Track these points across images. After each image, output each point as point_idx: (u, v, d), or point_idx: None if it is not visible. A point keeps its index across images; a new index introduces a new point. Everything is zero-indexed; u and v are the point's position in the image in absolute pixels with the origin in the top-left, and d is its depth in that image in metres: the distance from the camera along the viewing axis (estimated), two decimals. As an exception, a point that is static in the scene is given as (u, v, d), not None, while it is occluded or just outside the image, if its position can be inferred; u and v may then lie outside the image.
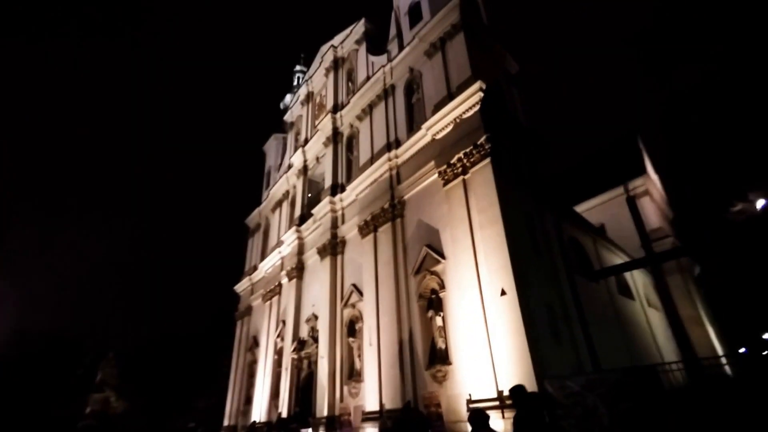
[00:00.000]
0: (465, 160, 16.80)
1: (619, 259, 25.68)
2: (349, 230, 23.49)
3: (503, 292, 13.51)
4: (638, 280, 26.91)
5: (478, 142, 16.30)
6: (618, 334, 20.20)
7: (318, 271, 24.81)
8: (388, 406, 16.45)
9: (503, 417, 12.19)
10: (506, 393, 12.41)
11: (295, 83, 52.03)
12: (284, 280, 28.86)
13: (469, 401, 13.48)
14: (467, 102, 17.51)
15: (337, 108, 28.80)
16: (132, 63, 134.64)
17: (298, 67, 53.15)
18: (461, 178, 16.88)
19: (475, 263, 14.98)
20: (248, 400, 29.20)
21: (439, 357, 15.61)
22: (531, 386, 11.75)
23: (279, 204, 34.02)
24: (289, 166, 33.69)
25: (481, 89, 16.98)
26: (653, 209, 33.59)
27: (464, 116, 17.70)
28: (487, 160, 15.88)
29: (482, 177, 15.89)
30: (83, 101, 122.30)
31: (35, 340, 42.49)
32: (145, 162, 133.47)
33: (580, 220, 24.82)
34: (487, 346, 13.47)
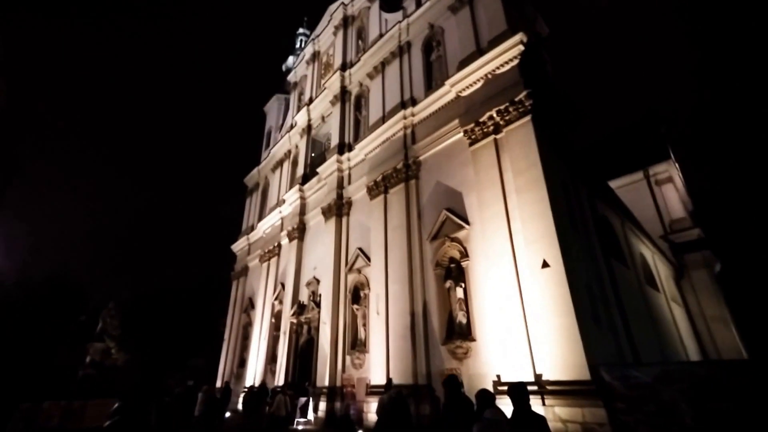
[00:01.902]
0: (498, 118, 14.08)
1: (644, 246, 23.19)
2: (357, 191, 20.77)
3: (545, 264, 11.08)
4: (662, 272, 24.66)
5: (516, 99, 13.54)
6: (648, 326, 17.93)
7: (321, 233, 22.16)
8: (397, 380, 14.10)
9: (544, 404, 9.93)
10: (547, 377, 10.20)
11: (298, 46, 48.22)
12: (284, 241, 26.16)
13: (498, 383, 11.24)
14: (502, 56, 14.66)
15: (345, 66, 25.63)
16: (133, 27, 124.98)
17: (301, 30, 49.49)
18: (492, 137, 14.18)
19: (508, 231, 12.47)
20: (242, 363, 26.85)
21: (459, 332, 13.28)
22: (580, 373, 9.53)
23: (280, 163, 30.95)
24: (292, 126, 30.56)
25: (521, 42, 14.12)
26: (676, 198, 30.96)
27: (498, 72, 14.86)
28: (527, 118, 13.18)
29: (520, 136, 13.23)
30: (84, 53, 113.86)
31: (39, 286, 39.39)
32: (148, 117, 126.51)
33: (612, 198, 21.84)
34: (523, 324, 11.12)
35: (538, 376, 10.40)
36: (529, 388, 10.16)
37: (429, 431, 11.77)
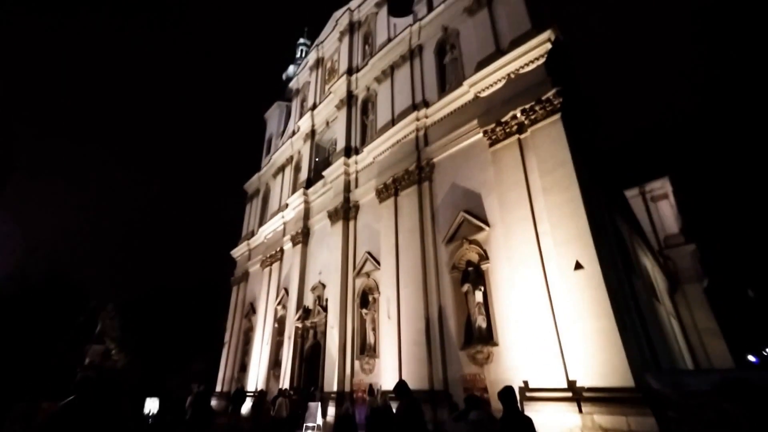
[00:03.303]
0: (522, 118, 13.42)
1: (647, 258, 22.62)
2: (364, 194, 19.92)
3: (578, 266, 10.34)
4: (660, 284, 24.16)
5: (543, 97, 12.89)
6: (658, 337, 17.27)
7: (326, 237, 21.23)
8: (411, 385, 13.17)
9: (580, 411, 9.09)
10: (582, 383, 9.38)
11: (299, 55, 48.01)
12: (287, 246, 25.12)
13: (526, 389, 10.40)
14: (528, 55, 14.04)
15: (352, 71, 24.97)
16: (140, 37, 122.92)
17: (301, 40, 49.62)
18: (515, 137, 13.50)
19: (534, 232, 11.73)
20: (243, 368, 25.52)
21: (479, 336, 12.42)
22: (623, 379, 8.71)
23: (281, 169, 29.98)
24: (294, 132, 29.75)
25: (549, 40, 13.57)
26: (671, 214, 30.81)
27: (522, 71, 14.24)
28: (556, 116, 12.51)
29: (548, 135, 12.55)
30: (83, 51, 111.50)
31: (37, 285, 37.43)
32: (150, 118, 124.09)
33: (625, 207, 21.28)
34: (553, 328, 10.32)
35: (571, 383, 9.57)
36: (563, 394, 9.54)
37: None
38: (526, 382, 10.52)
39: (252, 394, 21.89)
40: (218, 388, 27.59)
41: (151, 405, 16.48)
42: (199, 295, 37.72)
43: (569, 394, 9.43)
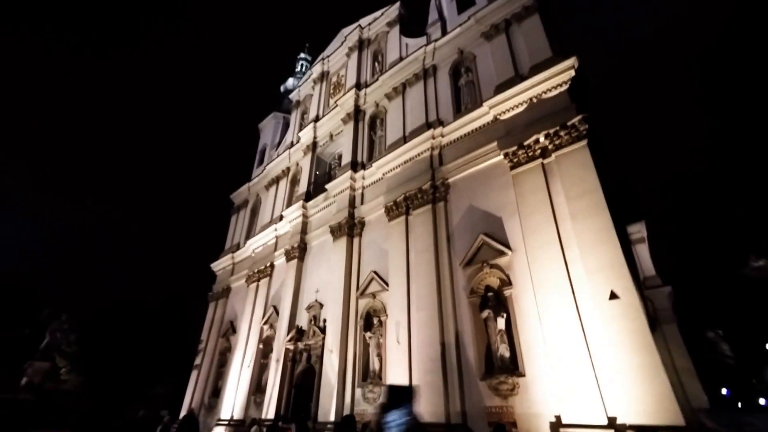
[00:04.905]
0: (546, 142, 13.53)
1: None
2: (371, 211, 19.50)
3: (613, 295, 10.14)
4: None
5: (569, 123, 13.07)
6: None
7: (326, 254, 20.54)
8: (427, 418, 12.49)
9: (622, 452, 8.66)
10: (624, 420, 8.99)
11: (298, 69, 48.34)
12: (278, 261, 24.17)
13: (558, 424, 9.92)
14: (551, 81, 14.37)
15: (360, 86, 25.07)
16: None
17: (302, 55, 50.20)
18: (539, 161, 13.55)
19: (563, 258, 11.55)
20: (216, 392, 23.85)
21: (502, 366, 11.93)
22: (672, 417, 8.37)
23: (276, 181, 29.25)
24: (292, 143, 29.34)
25: (573, 67, 13.89)
26: (648, 257, 31.70)
27: (544, 96, 14.49)
28: (583, 142, 12.66)
29: (574, 161, 12.62)
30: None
31: None
32: (126, 124, 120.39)
33: (628, 242, 21.59)
34: (588, 360, 9.97)
35: (611, 419, 9.17)
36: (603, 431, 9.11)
37: None
38: (558, 417, 10.06)
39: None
40: (181, 414, 25.59)
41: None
42: (167, 310, 35.46)
43: (610, 431, 9.01)
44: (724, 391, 33.21)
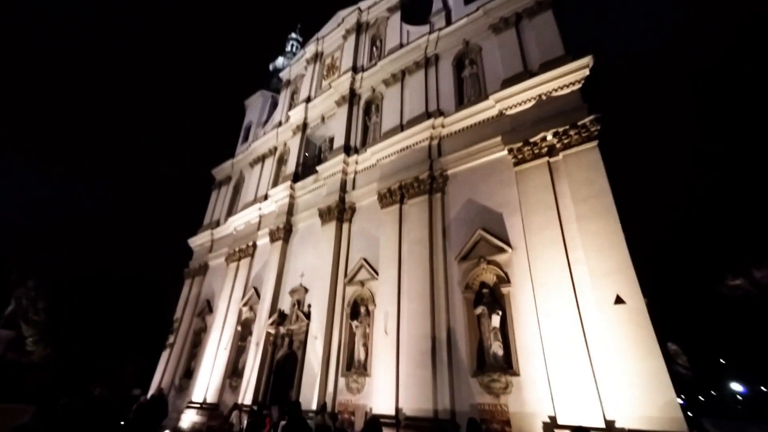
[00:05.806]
0: (554, 140, 13.27)
1: None
2: (363, 197, 18.91)
3: (619, 300, 10.02)
4: None
5: (580, 123, 12.82)
6: None
7: (313, 237, 19.87)
8: (409, 412, 12.21)
9: (618, 456, 8.59)
10: (622, 425, 8.92)
11: (289, 49, 46.79)
12: (261, 241, 23.30)
13: (553, 425, 9.80)
14: (562, 79, 14.06)
15: (356, 70, 24.23)
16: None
17: (293, 35, 48.57)
18: (545, 159, 13.30)
19: (566, 259, 11.37)
20: (188, 374, 22.93)
21: (495, 364, 11.70)
22: (674, 424, 8.33)
23: (261, 159, 28.15)
24: (281, 122, 28.28)
25: (587, 66, 13.62)
26: None
27: (555, 94, 14.19)
28: (593, 143, 12.43)
29: (583, 161, 12.39)
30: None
31: None
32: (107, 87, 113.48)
33: None
34: (587, 363, 9.85)
35: (609, 423, 9.08)
36: (599, 436, 9.01)
37: None
38: (552, 418, 9.93)
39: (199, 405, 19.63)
40: (149, 394, 24.56)
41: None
42: (142, 284, 33.81)
43: (606, 435, 8.92)
44: (679, 401, 34.97)
